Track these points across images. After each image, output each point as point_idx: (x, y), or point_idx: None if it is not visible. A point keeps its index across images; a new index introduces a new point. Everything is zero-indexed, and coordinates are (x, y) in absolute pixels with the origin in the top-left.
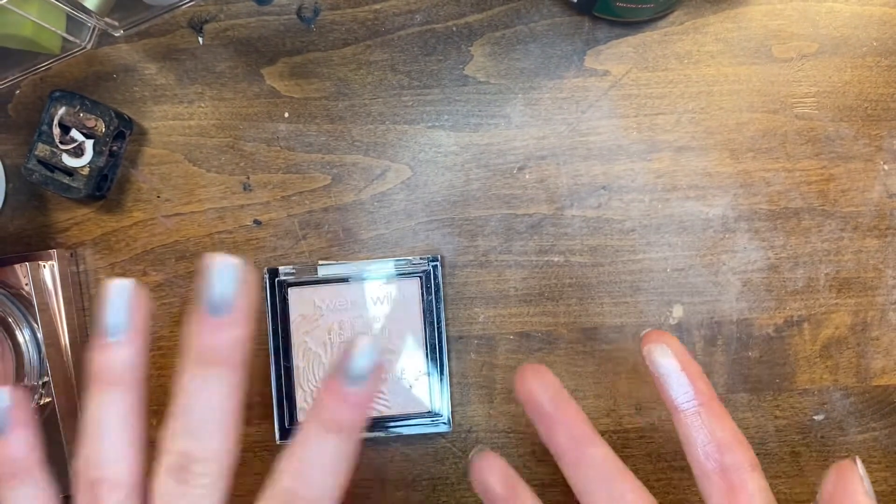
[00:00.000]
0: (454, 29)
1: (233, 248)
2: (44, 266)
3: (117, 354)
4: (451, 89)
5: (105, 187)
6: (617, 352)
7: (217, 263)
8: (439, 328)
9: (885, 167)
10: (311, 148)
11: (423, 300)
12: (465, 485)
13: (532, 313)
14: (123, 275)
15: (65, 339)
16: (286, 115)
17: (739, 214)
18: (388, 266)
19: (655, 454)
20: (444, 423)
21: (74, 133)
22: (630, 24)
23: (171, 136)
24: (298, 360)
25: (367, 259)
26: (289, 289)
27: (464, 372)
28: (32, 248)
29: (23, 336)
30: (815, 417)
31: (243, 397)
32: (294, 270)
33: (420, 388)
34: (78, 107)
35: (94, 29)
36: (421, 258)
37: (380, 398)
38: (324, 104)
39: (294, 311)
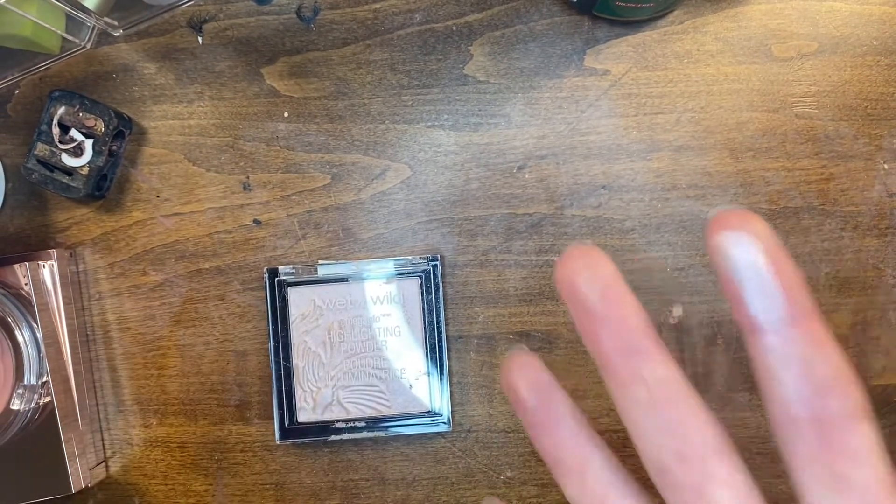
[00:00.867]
0: (454, 28)
1: (232, 248)
2: (43, 266)
3: None
4: (450, 89)
5: (104, 187)
6: None
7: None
8: (439, 328)
9: (885, 166)
10: (310, 147)
11: (422, 300)
12: (465, 484)
13: (532, 313)
14: (123, 274)
15: (64, 338)
16: (286, 114)
17: None
18: (387, 266)
19: None
20: (444, 422)
21: (74, 133)
22: (630, 23)
23: (171, 136)
24: (298, 360)
25: (367, 259)
26: (289, 288)
27: (464, 371)
28: (32, 247)
29: (22, 336)
30: None
31: None
32: (294, 270)
33: (420, 388)
34: (77, 106)
35: (93, 28)
36: (421, 258)
37: (380, 397)
38: (323, 104)
39: (294, 311)
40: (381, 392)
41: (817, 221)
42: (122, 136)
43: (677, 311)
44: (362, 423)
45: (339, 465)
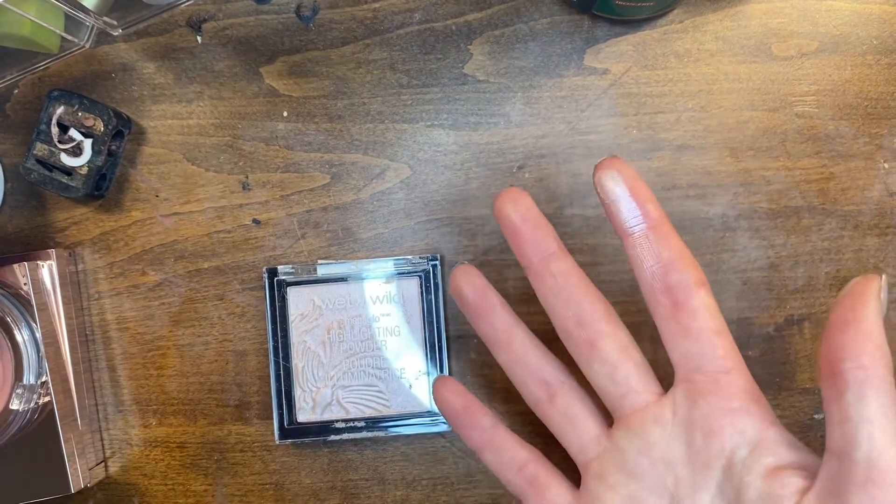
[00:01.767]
0: (453, 27)
1: (232, 248)
2: (42, 265)
3: None
4: (450, 88)
5: (104, 187)
6: None
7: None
8: (439, 328)
9: (886, 165)
10: (309, 147)
11: (422, 299)
12: (465, 484)
13: (532, 313)
14: (122, 274)
15: (63, 338)
16: (285, 113)
17: (739, 213)
18: (387, 265)
19: None
20: (444, 422)
21: (73, 132)
22: (629, 22)
23: (170, 136)
24: (297, 360)
25: (367, 258)
26: (288, 288)
27: (464, 372)
28: (31, 247)
29: (21, 336)
30: (816, 416)
31: None
32: (293, 270)
33: (420, 388)
34: (76, 106)
35: (92, 28)
36: (420, 257)
37: (379, 397)
38: (323, 103)
39: (293, 311)
40: (380, 392)
41: (818, 220)
42: (121, 135)
43: None
44: (362, 423)
45: (339, 465)
